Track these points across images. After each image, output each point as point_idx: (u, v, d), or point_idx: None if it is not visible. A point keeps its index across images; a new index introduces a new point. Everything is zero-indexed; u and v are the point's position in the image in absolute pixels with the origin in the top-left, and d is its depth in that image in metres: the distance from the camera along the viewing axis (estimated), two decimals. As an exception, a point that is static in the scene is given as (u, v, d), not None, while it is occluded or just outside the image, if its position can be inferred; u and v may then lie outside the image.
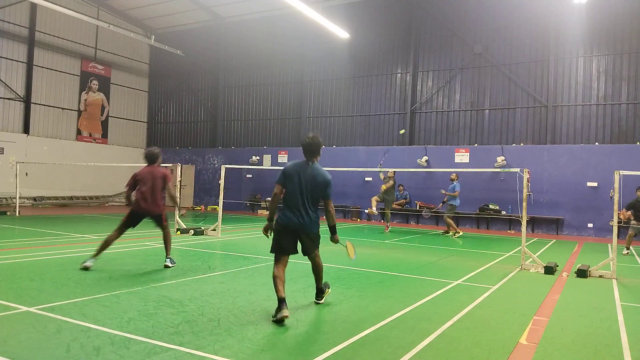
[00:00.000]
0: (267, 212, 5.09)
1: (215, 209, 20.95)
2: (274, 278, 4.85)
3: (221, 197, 12.37)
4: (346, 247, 5.63)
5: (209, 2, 22.28)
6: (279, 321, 4.52)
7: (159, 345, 3.81)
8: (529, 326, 4.77)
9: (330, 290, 5.61)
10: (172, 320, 4.49)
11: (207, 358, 3.58)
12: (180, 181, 13.15)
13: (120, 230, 7.18)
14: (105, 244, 7.07)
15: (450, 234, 14.40)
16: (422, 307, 5.38)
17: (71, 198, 21.88)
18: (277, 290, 4.72)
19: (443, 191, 14.82)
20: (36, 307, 4.75)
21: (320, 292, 5.37)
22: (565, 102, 16.87)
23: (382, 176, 14.95)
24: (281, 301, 4.61)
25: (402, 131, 15.25)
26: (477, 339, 4.32)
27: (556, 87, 17.01)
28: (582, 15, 16.48)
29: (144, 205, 7.13)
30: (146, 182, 7.17)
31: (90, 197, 22.67)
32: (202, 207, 23.32)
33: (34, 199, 20.46)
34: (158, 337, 4.00)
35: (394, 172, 14.94)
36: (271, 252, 5.04)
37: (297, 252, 5.09)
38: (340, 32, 18.06)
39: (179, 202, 7.50)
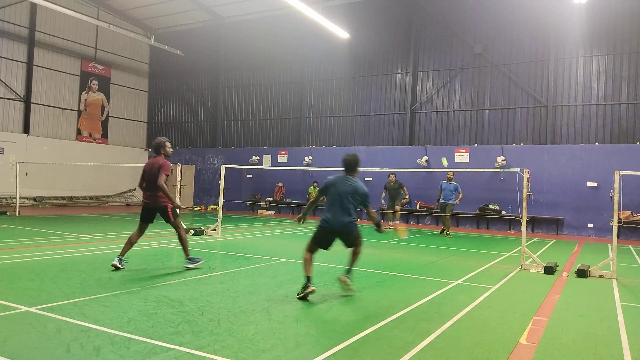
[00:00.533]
0: (301, 213, 6.29)
1: (215, 209, 20.96)
2: (305, 260, 5.71)
3: (221, 197, 12.37)
4: (397, 230, 6.65)
5: (209, 2, 22.28)
6: (304, 297, 5.38)
7: (159, 345, 3.81)
8: (529, 326, 4.77)
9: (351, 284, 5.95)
10: (172, 320, 4.49)
11: (207, 358, 3.58)
12: (180, 181, 13.14)
13: (140, 228, 7.10)
14: (129, 243, 7.00)
15: (447, 233, 14.22)
16: (422, 307, 5.38)
17: (71, 198, 21.88)
18: (305, 270, 5.60)
19: (457, 202, 14.35)
20: (36, 307, 4.75)
21: (348, 272, 5.92)
22: (565, 102, 16.88)
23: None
24: (308, 279, 5.49)
25: (445, 162, 14.91)
26: (477, 339, 4.31)
27: (556, 87, 17.01)
28: (582, 15, 16.49)
29: (146, 198, 7.02)
30: (147, 173, 7.02)
31: (90, 197, 22.67)
32: (202, 207, 23.33)
33: (34, 199, 20.46)
34: (158, 337, 4.00)
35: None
36: (311, 242, 5.83)
37: (329, 248, 5.90)
38: (340, 32, 18.06)
39: (170, 195, 6.92)
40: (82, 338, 3.90)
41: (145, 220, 7.13)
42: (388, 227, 14.88)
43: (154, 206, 7.01)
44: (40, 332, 4.04)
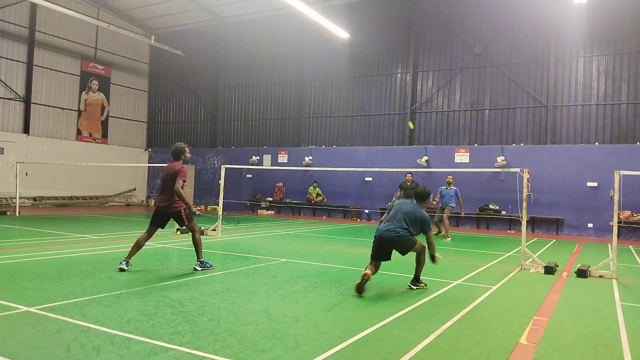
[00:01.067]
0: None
1: (215, 209, 20.96)
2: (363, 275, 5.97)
3: (221, 197, 12.37)
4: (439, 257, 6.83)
5: (209, 2, 22.28)
6: (360, 289, 5.83)
7: (159, 345, 3.81)
8: (529, 326, 4.77)
9: (424, 285, 6.44)
10: (172, 320, 4.49)
11: (207, 358, 3.58)
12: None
13: (149, 231, 7.12)
14: (137, 246, 7.01)
15: (443, 234, 13.43)
16: (422, 307, 5.38)
17: (71, 198, 21.88)
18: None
19: (462, 213, 14.21)
20: (36, 307, 4.75)
21: (416, 280, 6.44)
22: (565, 102, 16.88)
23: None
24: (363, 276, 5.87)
25: (411, 125, 14.62)
26: (477, 339, 4.31)
27: (556, 87, 17.01)
28: (582, 15, 16.49)
29: (160, 203, 7.05)
30: (163, 178, 7.10)
31: (90, 197, 22.67)
32: (202, 207, 23.33)
33: (34, 199, 20.46)
34: (158, 337, 4.00)
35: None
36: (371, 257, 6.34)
37: (384, 259, 6.31)
38: (340, 32, 18.06)
39: (186, 200, 7.01)
40: (82, 338, 3.90)
41: (157, 224, 7.15)
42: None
43: (168, 211, 7.02)
44: (40, 332, 4.04)
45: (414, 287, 6.37)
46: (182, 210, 7.07)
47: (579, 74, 16.76)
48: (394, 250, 6.37)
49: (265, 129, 23.09)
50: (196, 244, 7.18)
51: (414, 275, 6.44)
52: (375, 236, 6.35)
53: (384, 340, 4.14)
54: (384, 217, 6.63)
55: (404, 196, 6.82)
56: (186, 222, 7.12)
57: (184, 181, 6.97)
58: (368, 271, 5.90)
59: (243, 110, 23.84)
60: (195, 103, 25.35)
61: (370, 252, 6.32)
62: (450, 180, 13.55)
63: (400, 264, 8.55)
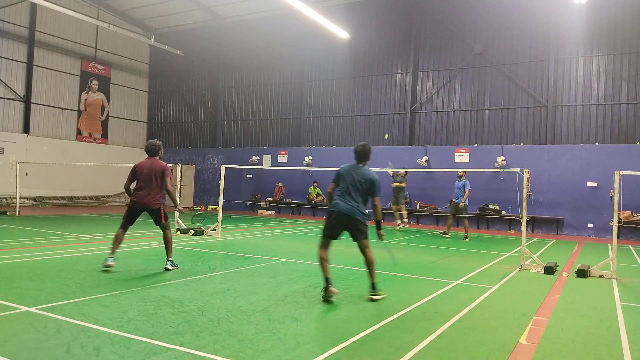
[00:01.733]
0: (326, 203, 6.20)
1: (215, 209, 20.96)
2: (322, 260, 5.65)
3: (221, 197, 12.37)
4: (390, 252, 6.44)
5: (209, 2, 22.28)
6: (328, 300, 5.42)
7: (159, 345, 3.81)
8: (529, 326, 4.77)
9: (383, 294, 5.77)
10: (172, 320, 4.49)
11: (207, 358, 3.58)
12: (180, 181, 13.14)
13: (124, 227, 7.11)
14: (116, 241, 7.01)
15: (443, 232, 13.91)
16: (422, 307, 5.38)
17: (71, 198, 21.88)
18: (323, 271, 5.59)
19: (462, 203, 13.90)
20: (36, 307, 4.75)
21: (374, 287, 5.76)
22: (565, 102, 16.88)
23: (390, 172, 15.00)
24: (327, 281, 5.49)
25: (386, 136, 15.11)
26: (477, 339, 4.31)
27: (556, 87, 17.01)
28: (582, 15, 16.48)
29: (139, 198, 6.96)
30: (144, 174, 7.01)
31: (90, 197, 22.67)
32: (202, 207, 23.32)
33: (34, 199, 20.46)
34: (158, 337, 4.00)
35: (405, 172, 15.11)
36: (322, 237, 5.76)
37: (339, 238, 5.76)
38: (340, 32, 18.06)
39: (177, 200, 7.21)
40: (82, 338, 3.90)
41: (132, 221, 7.12)
42: (397, 227, 15.06)
43: (148, 207, 6.98)
44: (40, 332, 4.04)
45: (376, 298, 5.63)
46: (162, 208, 7.10)
47: (579, 74, 16.76)
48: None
49: (265, 129, 23.09)
50: (168, 242, 7.17)
51: (371, 282, 5.75)
52: (333, 211, 5.69)
53: (384, 340, 4.14)
54: (331, 187, 5.87)
55: (356, 164, 5.98)
56: (163, 221, 7.10)
57: (170, 179, 7.21)
58: (335, 290, 5.47)
59: (243, 110, 23.83)
60: (195, 103, 25.35)
61: (324, 230, 5.74)
62: (461, 174, 13.48)
63: (400, 264, 8.55)
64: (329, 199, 5.95)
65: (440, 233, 14.14)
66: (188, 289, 5.85)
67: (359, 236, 5.73)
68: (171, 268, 7.07)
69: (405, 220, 15.37)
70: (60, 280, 6.08)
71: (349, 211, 5.63)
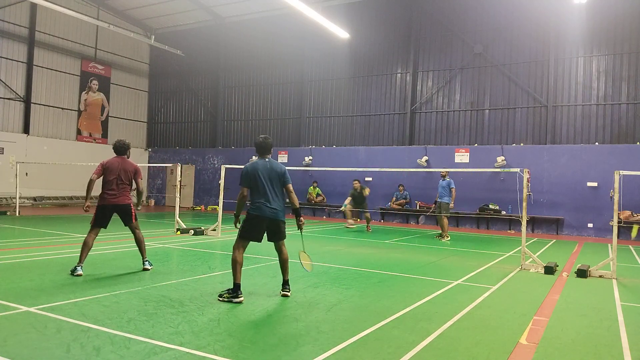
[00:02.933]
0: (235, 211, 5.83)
1: (215, 209, 20.95)
2: (237, 264, 5.44)
3: (221, 197, 12.37)
4: (300, 257, 6.09)
5: (209, 2, 22.28)
6: (227, 301, 5.26)
7: (159, 345, 3.81)
8: (529, 326, 4.77)
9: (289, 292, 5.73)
10: (172, 320, 4.49)
11: (207, 358, 3.58)
12: (180, 181, 13.14)
13: (95, 232, 6.86)
14: (85, 247, 6.71)
15: (442, 235, 13.22)
16: (422, 307, 5.38)
17: (71, 198, 21.88)
18: (235, 276, 5.39)
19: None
20: (36, 307, 4.76)
21: (286, 284, 5.76)
22: (565, 102, 16.87)
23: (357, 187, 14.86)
24: (238, 287, 5.36)
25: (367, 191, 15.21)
26: (477, 339, 4.32)
27: (556, 87, 17.01)
28: (582, 15, 16.48)
29: (109, 198, 6.83)
30: (114, 172, 6.88)
31: (91, 197, 22.63)
32: (202, 207, 23.33)
33: (34, 199, 20.46)
34: (158, 337, 4.00)
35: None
36: (240, 237, 5.58)
37: (261, 240, 5.67)
38: (340, 32, 18.06)
39: (144, 199, 7.28)
40: (82, 338, 3.90)
41: (104, 224, 6.93)
42: (352, 226, 15.01)
43: (120, 204, 6.86)
44: (40, 332, 4.04)
45: (288, 294, 5.67)
46: (132, 206, 7.05)
47: (579, 74, 16.76)
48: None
49: (265, 129, 23.09)
50: (141, 243, 7.11)
51: (285, 279, 5.78)
52: (258, 215, 5.54)
53: (384, 340, 4.14)
54: (243, 193, 5.62)
55: (258, 155, 5.83)
56: (134, 220, 7.05)
57: (141, 179, 7.28)
58: (242, 298, 5.33)
59: (243, 110, 23.83)
60: (195, 103, 25.35)
61: (245, 232, 5.57)
62: (444, 173, 13.27)
63: (400, 264, 8.55)
64: (240, 205, 5.71)
65: (437, 236, 13.39)
66: (188, 289, 5.85)
67: (280, 237, 5.76)
68: (149, 267, 7.00)
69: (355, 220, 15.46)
70: (60, 280, 6.08)
71: (274, 216, 5.60)
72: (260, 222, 5.55)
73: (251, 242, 5.64)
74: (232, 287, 5.42)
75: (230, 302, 5.26)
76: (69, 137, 22.58)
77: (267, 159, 5.77)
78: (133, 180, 7.06)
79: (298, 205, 5.88)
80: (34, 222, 13.67)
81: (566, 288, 6.89)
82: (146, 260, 7.09)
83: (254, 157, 6.07)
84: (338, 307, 5.28)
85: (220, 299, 5.36)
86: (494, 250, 11.07)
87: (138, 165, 7.29)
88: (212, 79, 24.62)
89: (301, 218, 5.90)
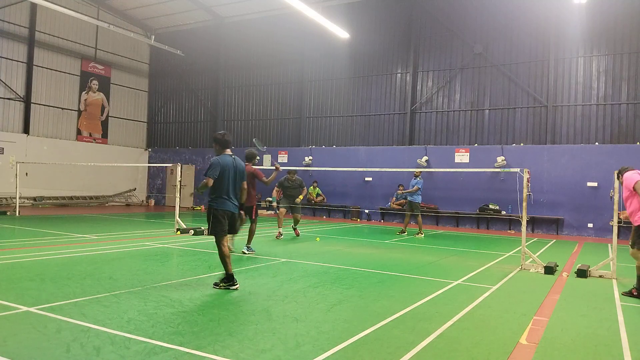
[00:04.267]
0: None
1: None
2: (226, 257, 5.90)
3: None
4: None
5: (209, 2, 22.28)
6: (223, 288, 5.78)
7: (159, 345, 3.81)
8: (529, 326, 4.77)
9: (224, 285, 5.94)
10: (172, 320, 4.49)
11: (207, 358, 3.58)
12: (180, 181, 13.14)
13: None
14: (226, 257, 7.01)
15: (402, 230, 14.27)
16: (422, 307, 5.38)
17: (71, 198, 21.88)
18: (228, 267, 5.88)
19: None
20: (36, 307, 4.76)
21: (231, 278, 5.99)
22: (565, 102, 16.87)
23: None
24: (231, 276, 5.87)
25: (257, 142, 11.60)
26: (477, 339, 4.32)
27: (556, 87, 17.01)
28: (582, 15, 16.48)
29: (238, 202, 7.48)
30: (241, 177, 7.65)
31: (90, 197, 22.67)
32: (202, 207, 23.32)
33: (34, 199, 20.45)
34: (158, 337, 4.00)
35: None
36: (217, 234, 5.94)
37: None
38: (340, 32, 18.05)
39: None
40: (82, 338, 3.90)
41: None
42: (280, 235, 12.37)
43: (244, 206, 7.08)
44: (40, 332, 4.04)
45: (217, 287, 5.89)
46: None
47: (579, 74, 16.76)
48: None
49: (265, 129, 23.09)
50: (251, 233, 8.22)
51: (229, 274, 5.94)
52: (226, 211, 5.94)
53: (384, 340, 4.14)
54: (211, 182, 5.85)
55: (220, 149, 6.09)
56: (253, 216, 8.13)
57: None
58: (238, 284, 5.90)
59: (243, 110, 23.83)
60: (195, 103, 25.35)
61: (220, 227, 5.90)
62: (417, 173, 13.92)
63: (400, 264, 8.55)
64: (203, 188, 5.92)
65: (398, 233, 14.25)
66: (188, 289, 5.85)
67: (237, 229, 6.30)
68: (248, 253, 8.27)
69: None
70: (60, 280, 6.08)
71: (236, 210, 6.09)
72: (225, 216, 5.96)
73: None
74: (224, 277, 5.93)
75: (228, 289, 5.79)
76: (69, 137, 22.58)
77: (232, 155, 6.11)
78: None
79: (244, 201, 6.38)
80: (34, 222, 13.67)
81: (566, 288, 6.89)
82: (247, 246, 8.44)
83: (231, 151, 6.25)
84: (338, 307, 5.28)
85: (216, 287, 5.85)
86: (494, 250, 11.07)
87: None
88: (212, 79, 24.62)
89: (243, 213, 6.35)
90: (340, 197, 19.90)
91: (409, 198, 13.91)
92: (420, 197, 13.87)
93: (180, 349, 3.72)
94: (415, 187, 13.63)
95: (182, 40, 24.62)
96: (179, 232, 11.83)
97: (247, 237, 9.25)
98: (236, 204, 6.08)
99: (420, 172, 14.00)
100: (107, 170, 23.07)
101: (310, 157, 20.72)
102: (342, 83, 21.00)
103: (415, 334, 4.34)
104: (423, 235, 13.82)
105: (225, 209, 5.93)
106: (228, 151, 6.13)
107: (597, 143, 16.26)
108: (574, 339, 4.45)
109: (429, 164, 18.12)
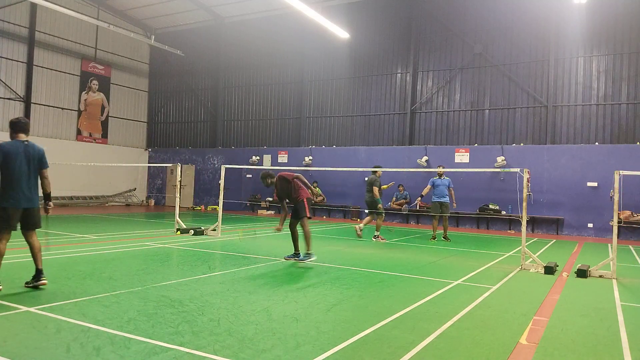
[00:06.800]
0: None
1: (215, 209, 20.96)
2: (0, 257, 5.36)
3: (221, 197, 12.36)
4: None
5: (209, 2, 22.28)
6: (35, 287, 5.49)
7: (159, 345, 3.81)
8: (529, 326, 4.77)
9: (44, 282, 5.65)
10: (172, 320, 4.49)
11: (207, 358, 3.58)
12: (180, 181, 13.14)
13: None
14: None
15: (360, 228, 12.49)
16: (422, 307, 5.38)
17: (71, 198, 21.88)
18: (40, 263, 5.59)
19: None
20: (36, 307, 4.76)
21: (42, 273, 5.66)
22: (565, 102, 16.87)
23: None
24: (40, 272, 5.60)
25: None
26: (477, 339, 4.31)
27: (556, 87, 17.01)
28: (582, 15, 16.49)
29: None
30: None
31: (90, 197, 22.67)
32: (202, 207, 23.33)
33: (34, 199, 20.41)
34: (158, 337, 4.00)
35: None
36: (4, 230, 5.39)
37: (16, 229, 5.58)
38: (340, 32, 18.05)
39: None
40: (82, 338, 3.90)
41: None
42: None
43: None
44: (40, 332, 4.04)
45: (40, 284, 5.61)
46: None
47: (579, 74, 16.76)
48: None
49: (265, 128, 23.10)
50: (307, 237, 8.29)
51: (39, 269, 5.72)
52: (15, 208, 5.42)
53: (384, 340, 4.14)
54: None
55: (12, 133, 5.53)
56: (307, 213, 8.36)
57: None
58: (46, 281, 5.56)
59: (243, 110, 23.84)
60: (195, 103, 25.35)
61: (5, 223, 5.38)
62: (441, 171, 12.78)
63: (400, 264, 8.55)
64: None
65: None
66: (188, 289, 5.85)
67: (37, 224, 5.77)
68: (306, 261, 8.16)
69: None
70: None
71: (31, 205, 5.53)
72: (15, 213, 5.41)
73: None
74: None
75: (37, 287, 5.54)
76: (69, 137, 22.58)
77: (25, 141, 5.48)
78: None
79: (50, 190, 5.75)
80: (34, 222, 13.64)
81: (566, 288, 6.89)
82: (307, 254, 8.20)
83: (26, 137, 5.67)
84: (338, 307, 5.28)
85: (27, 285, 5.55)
86: (494, 250, 11.07)
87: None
88: (212, 79, 24.63)
89: (50, 203, 5.79)
90: (340, 197, 19.89)
91: (442, 200, 12.48)
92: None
93: (180, 349, 3.72)
94: (375, 188, 12.07)
95: (182, 40, 24.62)
96: (179, 232, 11.82)
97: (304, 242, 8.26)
98: (31, 196, 5.45)
99: (380, 171, 12.53)
100: (107, 171, 23.07)
101: (310, 157, 20.72)
102: (342, 83, 21.00)
103: (415, 334, 4.34)
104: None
105: (14, 206, 5.34)
106: (22, 136, 5.45)
107: (597, 143, 16.26)
108: (574, 339, 4.44)
109: (429, 164, 18.12)
